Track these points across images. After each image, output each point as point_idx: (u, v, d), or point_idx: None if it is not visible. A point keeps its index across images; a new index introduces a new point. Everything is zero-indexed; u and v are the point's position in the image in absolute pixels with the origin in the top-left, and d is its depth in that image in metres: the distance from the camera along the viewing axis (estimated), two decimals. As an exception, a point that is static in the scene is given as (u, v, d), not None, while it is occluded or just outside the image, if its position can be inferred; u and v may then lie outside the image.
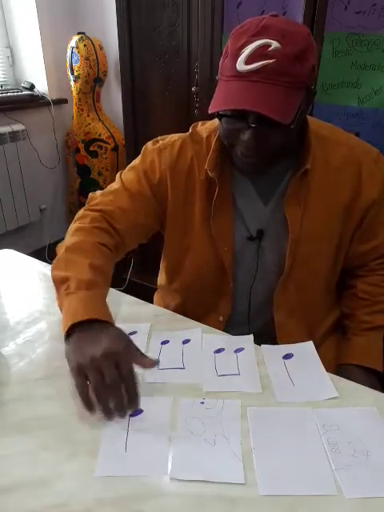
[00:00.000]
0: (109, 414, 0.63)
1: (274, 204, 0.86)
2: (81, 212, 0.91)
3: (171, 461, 0.58)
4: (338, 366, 0.90)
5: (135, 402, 0.64)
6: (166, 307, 1.00)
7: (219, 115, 0.74)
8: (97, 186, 2.51)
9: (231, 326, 0.96)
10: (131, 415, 0.65)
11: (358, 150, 0.84)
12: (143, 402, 0.67)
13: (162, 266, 1.06)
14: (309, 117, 0.83)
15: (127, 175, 0.93)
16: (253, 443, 0.61)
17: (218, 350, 0.80)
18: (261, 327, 0.96)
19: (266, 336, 0.89)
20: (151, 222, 0.93)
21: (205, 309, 0.97)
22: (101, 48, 2.29)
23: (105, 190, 0.94)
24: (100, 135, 2.40)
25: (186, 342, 0.82)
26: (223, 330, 0.93)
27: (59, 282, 0.75)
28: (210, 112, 0.70)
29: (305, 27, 0.71)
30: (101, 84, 2.38)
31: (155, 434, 0.62)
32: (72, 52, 2.26)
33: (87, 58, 2.23)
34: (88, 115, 2.42)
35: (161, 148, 0.90)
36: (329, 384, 0.71)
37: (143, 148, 0.94)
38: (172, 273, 1.01)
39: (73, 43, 2.25)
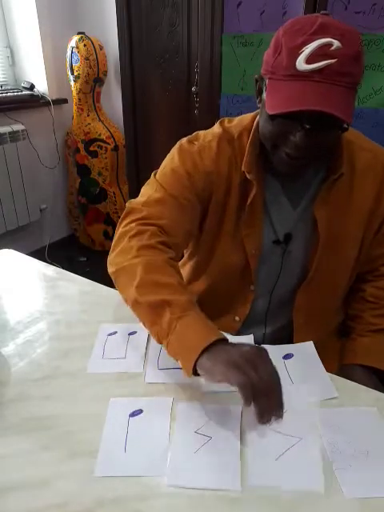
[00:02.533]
0: (266, 414, 0.57)
1: (302, 208, 0.85)
2: (133, 226, 0.80)
3: (168, 467, 0.57)
4: (341, 366, 0.90)
5: (281, 408, 0.58)
6: None
7: (271, 116, 0.70)
8: (97, 185, 2.51)
9: (247, 327, 0.95)
10: (131, 415, 0.65)
11: (381, 156, 0.85)
12: (143, 402, 0.67)
13: (182, 265, 1.03)
14: None
15: (167, 179, 0.84)
16: (252, 443, 0.61)
17: (218, 350, 0.80)
18: (277, 329, 0.96)
19: (281, 338, 0.89)
20: (195, 228, 0.89)
21: (221, 309, 0.96)
22: (101, 48, 2.29)
23: (146, 198, 0.84)
24: (100, 135, 2.40)
25: (186, 342, 0.82)
26: (238, 331, 0.94)
27: (157, 307, 0.68)
28: (271, 113, 0.67)
29: (355, 29, 0.68)
30: (101, 84, 2.38)
31: (155, 434, 0.62)
32: (72, 52, 2.26)
33: (87, 58, 2.23)
34: (88, 115, 2.42)
35: (200, 149, 0.84)
36: (329, 384, 0.71)
37: (177, 148, 0.87)
38: (196, 273, 0.99)
39: (73, 43, 2.25)
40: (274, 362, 0.76)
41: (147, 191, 0.85)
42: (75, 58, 2.26)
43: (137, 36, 1.88)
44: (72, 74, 2.32)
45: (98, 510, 0.52)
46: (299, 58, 0.63)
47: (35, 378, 0.73)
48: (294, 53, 0.64)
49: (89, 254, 2.70)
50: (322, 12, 0.68)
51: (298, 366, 0.76)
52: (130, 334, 0.85)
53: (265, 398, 0.56)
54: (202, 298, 0.99)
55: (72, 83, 2.36)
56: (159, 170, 0.88)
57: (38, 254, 1.55)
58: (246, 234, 0.86)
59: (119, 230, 0.82)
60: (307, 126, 0.68)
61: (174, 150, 0.87)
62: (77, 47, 2.23)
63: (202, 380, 0.72)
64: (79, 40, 2.23)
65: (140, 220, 0.80)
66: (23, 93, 2.38)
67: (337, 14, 1.34)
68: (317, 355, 0.79)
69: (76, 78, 2.31)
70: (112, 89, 2.49)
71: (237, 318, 0.95)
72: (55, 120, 2.45)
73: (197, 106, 1.79)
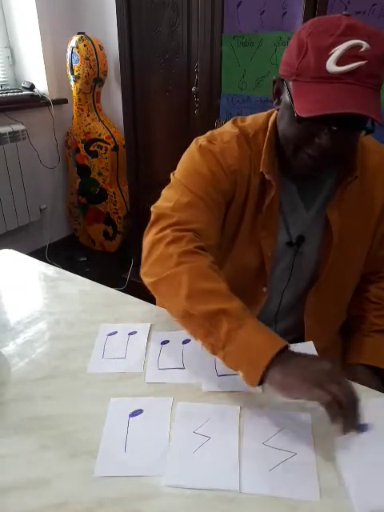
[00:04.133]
0: (352, 427, 0.57)
1: (315, 210, 0.85)
2: (167, 232, 0.76)
3: (166, 467, 0.57)
4: (343, 366, 0.90)
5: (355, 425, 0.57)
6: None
7: (299, 119, 0.68)
8: (97, 185, 2.51)
9: None
10: (131, 415, 0.65)
11: None
12: (143, 402, 0.67)
13: None
14: None
15: (193, 181, 0.82)
16: (250, 444, 0.61)
17: (218, 350, 0.80)
18: (286, 329, 0.96)
19: (290, 339, 0.89)
20: (221, 228, 0.87)
21: None
22: (101, 48, 2.29)
23: (173, 203, 0.80)
24: (100, 135, 2.40)
25: (185, 341, 0.82)
26: None
27: (212, 317, 0.65)
28: (304, 116, 0.65)
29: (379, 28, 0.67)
30: (101, 84, 2.38)
31: (155, 434, 0.62)
32: (72, 52, 2.26)
33: (87, 58, 2.23)
34: (88, 115, 2.42)
35: (222, 149, 0.82)
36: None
37: (197, 148, 0.84)
38: None
39: (73, 43, 2.25)
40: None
41: (172, 195, 0.82)
42: (75, 58, 2.26)
43: (137, 36, 1.88)
44: (72, 74, 2.32)
45: (97, 510, 0.52)
46: (329, 59, 0.62)
47: (35, 378, 0.73)
48: (323, 54, 0.63)
49: (89, 254, 2.70)
50: (343, 13, 0.67)
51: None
52: (129, 334, 0.85)
53: (351, 414, 0.56)
54: None
55: (72, 83, 2.36)
56: (179, 172, 0.85)
57: (38, 254, 1.55)
58: (263, 236, 0.85)
59: (150, 238, 0.78)
60: (335, 128, 0.67)
61: (194, 151, 0.84)
62: (77, 47, 2.23)
63: (201, 380, 0.73)
64: (79, 40, 2.23)
65: (173, 226, 0.76)
66: (23, 93, 2.38)
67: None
68: (317, 355, 0.79)
69: (76, 78, 2.31)
70: (112, 89, 2.49)
71: None
72: (55, 120, 2.45)
73: (197, 105, 1.79)
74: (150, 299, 1.08)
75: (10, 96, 2.32)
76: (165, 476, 0.56)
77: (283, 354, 0.60)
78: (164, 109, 1.95)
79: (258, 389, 0.70)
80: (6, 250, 1.19)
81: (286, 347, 0.61)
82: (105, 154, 2.42)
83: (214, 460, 0.58)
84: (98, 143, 2.41)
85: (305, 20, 1.38)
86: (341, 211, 0.83)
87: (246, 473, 0.56)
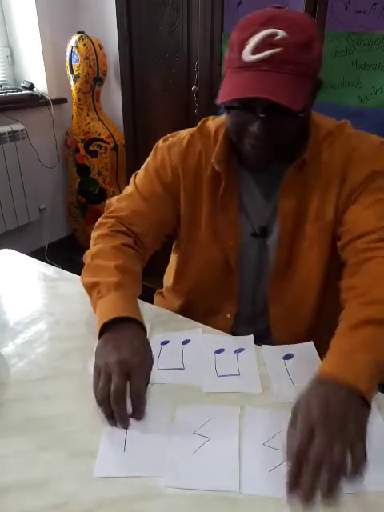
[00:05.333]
0: (109, 419, 0.63)
1: (275, 201, 0.85)
2: (99, 220, 0.92)
3: (166, 468, 0.57)
4: None
5: (137, 415, 0.63)
6: (169, 309, 0.99)
7: (227, 107, 0.73)
8: (96, 185, 2.51)
9: (239, 324, 0.96)
10: (131, 416, 0.65)
11: (354, 142, 0.81)
12: (143, 403, 0.67)
13: (169, 266, 1.05)
14: (316, 113, 0.83)
15: (140, 176, 0.93)
16: (251, 444, 0.60)
17: (218, 351, 0.80)
18: (267, 325, 0.95)
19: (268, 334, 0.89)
20: (167, 218, 0.93)
21: (211, 308, 0.97)
22: (100, 47, 2.28)
23: (121, 194, 0.95)
24: (100, 135, 2.40)
25: (186, 342, 0.82)
26: (231, 328, 0.94)
27: (90, 288, 0.78)
28: (217, 103, 0.69)
29: (309, 16, 0.71)
30: (100, 83, 2.37)
31: (154, 434, 0.62)
32: (72, 51, 2.26)
33: (87, 58, 2.23)
34: (88, 115, 2.41)
35: (170, 145, 0.90)
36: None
37: (154, 146, 0.94)
38: (180, 272, 1.00)
39: (72, 42, 2.25)
40: (275, 363, 0.76)
41: (126, 189, 0.95)
42: (75, 57, 2.26)
43: (137, 36, 1.88)
44: (72, 73, 2.32)
45: (97, 510, 0.52)
46: (245, 49, 0.66)
47: (35, 378, 0.73)
48: (242, 45, 0.67)
49: (88, 254, 2.70)
50: (275, 5, 0.70)
51: (298, 365, 0.76)
52: (129, 334, 0.84)
53: (114, 405, 0.61)
54: (192, 298, 1.00)
55: (72, 83, 2.36)
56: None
57: (37, 254, 1.55)
58: (222, 226, 0.88)
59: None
60: (261, 116, 0.69)
61: (153, 149, 0.94)
62: (76, 47, 2.23)
63: (201, 381, 0.73)
64: (79, 39, 2.22)
65: (108, 214, 0.92)
66: (23, 92, 2.38)
67: (337, 14, 1.34)
68: (317, 355, 0.79)
69: (76, 78, 2.31)
70: (112, 88, 2.49)
71: (228, 316, 0.96)
72: (55, 120, 2.45)
73: (197, 105, 1.79)
74: (150, 299, 1.08)
75: (9, 95, 2.32)
76: (165, 477, 0.56)
77: (113, 327, 0.70)
78: (164, 108, 1.95)
79: (259, 389, 0.70)
80: (6, 250, 1.19)
81: (122, 319, 0.70)
82: (104, 153, 2.42)
83: (214, 461, 0.58)
84: (98, 143, 2.41)
85: (305, 19, 1.37)
86: (297, 199, 0.82)
87: (246, 473, 0.56)
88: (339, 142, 0.81)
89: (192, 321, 0.89)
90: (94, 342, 0.81)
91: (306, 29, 0.67)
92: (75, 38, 2.24)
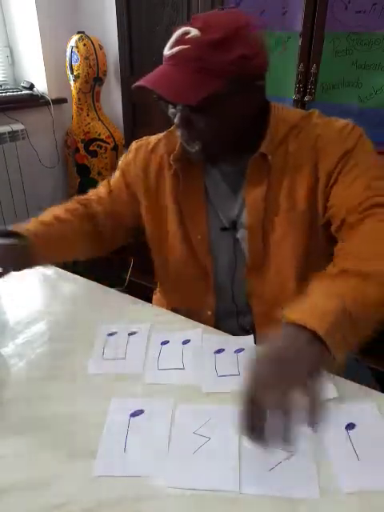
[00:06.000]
0: None
1: (242, 194, 0.85)
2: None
3: (167, 468, 0.57)
4: None
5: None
6: (164, 307, 1.00)
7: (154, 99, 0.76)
8: (96, 185, 2.51)
9: (221, 320, 0.95)
10: (131, 415, 0.65)
11: (318, 128, 0.80)
12: (143, 402, 0.67)
13: (155, 272, 1.06)
14: (287, 107, 0.83)
15: (115, 173, 1.02)
16: (249, 444, 0.60)
17: (219, 351, 0.80)
18: (249, 319, 0.94)
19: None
20: (125, 211, 0.98)
21: (192, 305, 0.96)
22: (100, 47, 2.28)
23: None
24: (100, 135, 2.40)
25: (186, 342, 0.82)
26: (214, 325, 0.93)
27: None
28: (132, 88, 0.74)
29: (241, 20, 0.71)
30: (100, 83, 2.37)
31: (155, 434, 0.62)
32: (71, 51, 2.26)
33: (87, 58, 2.23)
34: (88, 115, 2.41)
35: (138, 148, 0.96)
36: (329, 384, 0.71)
37: (131, 143, 1.00)
38: (158, 273, 1.02)
39: (72, 43, 2.24)
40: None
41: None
42: (75, 57, 2.25)
43: (136, 35, 1.88)
44: (72, 73, 2.31)
45: (97, 510, 0.52)
46: (167, 45, 0.72)
47: (35, 378, 0.73)
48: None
49: (88, 254, 2.69)
50: (230, 6, 0.73)
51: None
52: (129, 334, 0.85)
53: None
54: (175, 297, 1.00)
55: (72, 83, 2.36)
56: None
57: (37, 254, 1.54)
58: (188, 221, 0.90)
59: None
60: (172, 109, 0.74)
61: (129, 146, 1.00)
62: (76, 47, 2.23)
63: (201, 381, 0.73)
64: (79, 39, 2.22)
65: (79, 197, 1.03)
66: (23, 92, 2.37)
67: (337, 14, 1.34)
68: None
69: (76, 78, 2.31)
70: (112, 88, 2.48)
71: (209, 313, 0.96)
72: (55, 119, 2.45)
73: (197, 105, 1.79)
74: (150, 299, 1.09)
75: (9, 95, 2.31)
76: (165, 477, 0.56)
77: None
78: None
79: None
80: (6, 249, 1.19)
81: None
82: (104, 153, 2.42)
83: (213, 461, 0.58)
84: (98, 143, 2.41)
85: (305, 20, 1.37)
86: (265, 189, 0.81)
87: (245, 473, 0.56)
88: (305, 132, 0.81)
89: (192, 321, 0.89)
90: (94, 342, 0.82)
91: (223, 29, 0.67)
92: (75, 38, 2.24)
